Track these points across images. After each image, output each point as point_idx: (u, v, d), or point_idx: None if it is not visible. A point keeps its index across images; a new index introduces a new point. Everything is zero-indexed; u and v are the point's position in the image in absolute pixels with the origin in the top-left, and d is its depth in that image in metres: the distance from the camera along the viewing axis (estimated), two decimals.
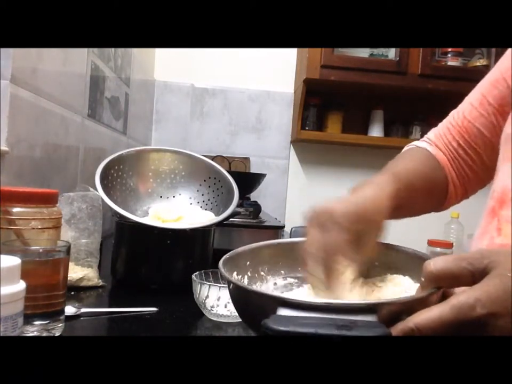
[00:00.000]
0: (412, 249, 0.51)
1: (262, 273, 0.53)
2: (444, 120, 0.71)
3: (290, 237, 0.66)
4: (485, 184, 0.69)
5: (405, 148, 0.72)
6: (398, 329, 0.35)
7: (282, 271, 0.54)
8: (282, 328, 0.32)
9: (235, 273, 0.49)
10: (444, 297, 0.37)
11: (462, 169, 0.67)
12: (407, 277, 0.49)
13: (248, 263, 0.52)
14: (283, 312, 0.35)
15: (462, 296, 0.34)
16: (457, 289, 0.38)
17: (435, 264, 0.37)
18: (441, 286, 0.38)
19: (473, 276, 0.36)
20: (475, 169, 0.67)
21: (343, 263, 0.46)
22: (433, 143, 0.69)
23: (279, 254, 0.55)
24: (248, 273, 0.52)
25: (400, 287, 0.48)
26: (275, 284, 0.53)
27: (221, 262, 0.47)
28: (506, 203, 0.55)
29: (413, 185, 0.59)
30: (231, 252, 0.51)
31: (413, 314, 0.35)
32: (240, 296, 0.43)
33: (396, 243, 0.54)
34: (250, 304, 0.41)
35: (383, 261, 0.52)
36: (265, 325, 0.33)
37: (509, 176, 0.55)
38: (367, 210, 0.48)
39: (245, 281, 0.51)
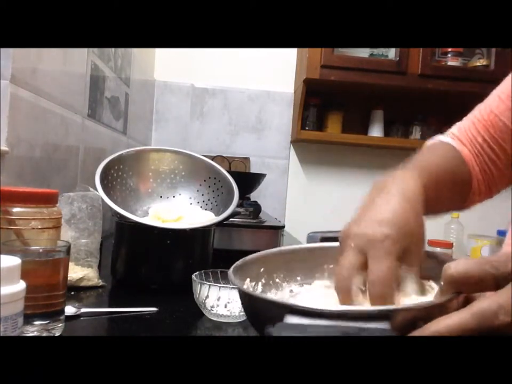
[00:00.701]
0: (437, 253, 0.48)
1: (277, 280, 0.51)
2: (469, 114, 0.68)
3: (307, 242, 0.64)
4: (510, 183, 0.66)
5: (429, 142, 0.69)
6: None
7: (298, 278, 0.52)
8: (283, 335, 0.31)
9: (248, 280, 0.47)
10: (466, 303, 0.34)
11: (486, 165, 0.64)
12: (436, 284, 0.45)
13: (262, 269, 0.50)
14: (291, 319, 0.34)
15: (485, 303, 0.32)
16: (479, 295, 0.36)
17: (456, 267, 0.34)
18: (462, 291, 0.35)
19: (497, 281, 0.33)
20: (500, 166, 0.64)
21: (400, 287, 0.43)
22: (457, 137, 0.66)
23: (295, 260, 0.52)
24: (263, 280, 0.50)
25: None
26: (291, 291, 0.51)
27: (231, 269, 0.46)
28: None
29: (439, 180, 0.56)
30: (242, 259, 0.49)
31: (431, 322, 0.33)
32: (249, 303, 0.41)
33: None
34: (259, 311, 0.40)
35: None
36: (268, 332, 0.32)
37: None
38: (408, 222, 0.44)
39: (259, 289, 0.49)
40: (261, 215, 1.22)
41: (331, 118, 1.95)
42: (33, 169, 0.82)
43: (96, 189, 0.79)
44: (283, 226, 1.15)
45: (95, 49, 1.11)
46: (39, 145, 0.83)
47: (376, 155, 2.00)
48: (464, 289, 0.35)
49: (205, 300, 0.63)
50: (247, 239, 1.08)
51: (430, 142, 0.69)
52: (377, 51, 1.85)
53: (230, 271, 0.45)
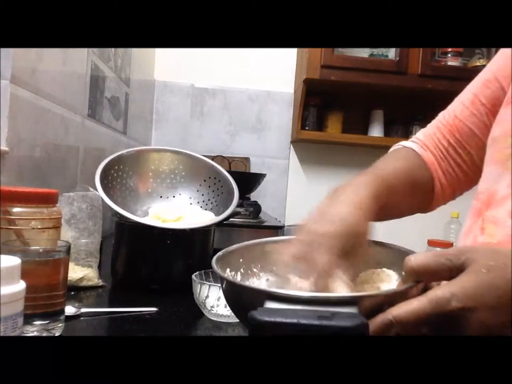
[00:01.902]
0: (397, 246, 0.53)
1: (255, 270, 0.55)
2: (433, 121, 0.71)
3: (284, 235, 0.67)
4: (474, 185, 0.68)
5: (392, 148, 0.72)
6: (377, 320, 0.37)
7: (274, 268, 0.55)
8: (266, 319, 0.34)
9: (228, 269, 0.50)
10: (425, 291, 0.38)
11: (451, 169, 0.67)
12: (393, 272, 0.51)
13: (241, 260, 0.53)
14: (270, 305, 0.37)
15: (439, 290, 0.36)
16: (436, 283, 0.40)
17: (416, 259, 0.39)
18: (421, 280, 0.40)
19: (451, 271, 0.38)
20: (465, 169, 0.67)
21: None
22: (422, 142, 0.69)
23: (271, 252, 0.56)
24: (241, 270, 0.53)
25: (388, 282, 0.50)
26: (267, 280, 0.54)
27: (214, 259, 0.49)
28: (492, 204, 0.55)
29: (395, 184, 0.60)
30: (224, 250, 0.52)
31: (393, 307, 0.37)
32: (231, 291, 0.45)
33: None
34: (240, 298, 0.43)
35: (371, 256, 0.53)
36: (251, 316, 0.35)
37: (495, 179, 0.56)
38: (352, 224, 0.49)
39: (238, 278, 0.52)
40: (261, 215, 1.22)
41: (331, 118, 1.95)
42: (33, 169, 0.82)
43: (96, 189, 0.79)
44: (283, 226, 1.15)
45: (95, 49, 1.11)
46: (39, 145, 0.83)
47: (376, 155, 1.98)
48: (422, 279, 0.40)
49: (205, 300, 0.63)
50: (247, 239, 1.07)
51: (393, 148, 0.72)
52: (377, 51, 1.85)
53: (213, 261, 0.48)
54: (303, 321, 0.34)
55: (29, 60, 0.77)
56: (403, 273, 0.41)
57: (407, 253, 0.48)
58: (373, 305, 0.38)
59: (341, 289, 0.47)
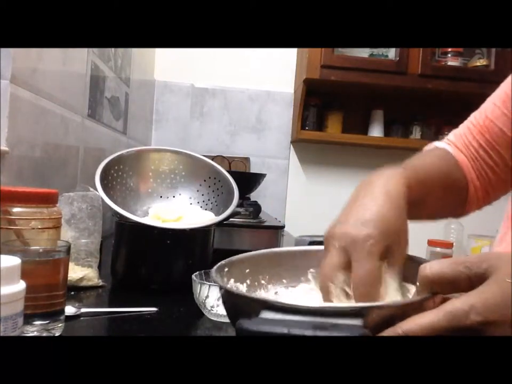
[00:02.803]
0: (417, 257, 0.48)
1: (263, 281, 0.51)
2: (465, 121, 0.68)
3: (295, 245, 0.64)
4: (509, 188, 0.66)
5: (425, 148, 0.69)
6: (385, 335, 0.33)
7: (284, 280, 0.52)
8: (253, 329, 0.32)
9: (232, 280, 0.47)
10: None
11: (483, 170, 0.64)
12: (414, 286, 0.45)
13: (247, 270, 0.50)
14: (266, 315, 0.34)
15: (457, 302, 0.33)
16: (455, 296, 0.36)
17: (431, 268, 0.35)
18: (437, 291, 0.36)
19: (471, 281, 0.34)
20: (497, 171, 0.64)
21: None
22: (453, 143, 0.66)
23: (282, 262, 0.52)
24: (248, 281, 0.50)
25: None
26: (276, 292, 0.51)
27: (215, 267, 0.46)
28: None
29: (429, 180, 0.55)
30: (228, 259, 0.49)
31: (404, 321, 0.33)
32: (228, 300, 0.42)
33: None
34: (236, 307, 0.40)
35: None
36: (238, 325, 0.33)
37: None
38: (389, 226, 0.44)
39: (243, 289, 0.49)
40: (261, 215, 1.22)
41: (331, 118, 1.95)
42: (33, 169, 0.82)
43: (96, 189, 0.79)
44: (283, 226, 1.15)
45: (95, 49, 1.11)
46: (39, 145, 0.83)
47: (376, 155, 2.00)
48: (439, 290, 0.35)
49: (205, 300, 0.63)
50: (247, 239, 1.08)
51: (426, 147, 0.69)
52: (377, 51, 1.85)
53: (213, 269, 0.45)
54: (295, 331, 0.31)
55: (29, 59, 0.77)
56: (417, 283, 0.37)
57: (423, 262, 0.44)
58: (381, 318, 0.34)
59: (390, 296, 0.42)
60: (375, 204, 0.46)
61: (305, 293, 0.49)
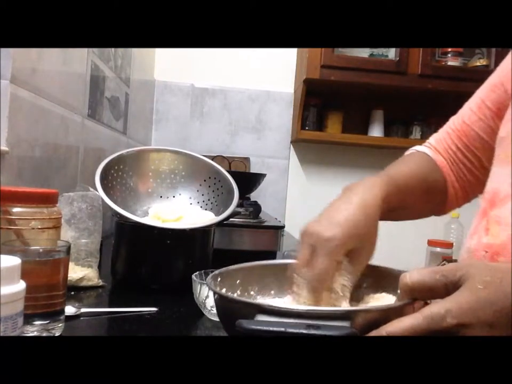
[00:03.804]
0: (396, 269, 0.52)
1: (252, 292, 0.54)
2: (444, 126, 0.72)
3: (283, 257, 0.68)
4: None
5: (406, 153, 0.73)
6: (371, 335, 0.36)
7: (272, 292, 0.55)
8: (253, 327, 0.34)
9: (224, 290, 0.49)
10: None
11: (462, 172, 0.68)
12: (393, 296, 0.49)
13: (238, 281, 0.53)
14: (261, 318, 0.37)
15: (434, 307, 0.35)
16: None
17: (410, 277, 0.38)
18: (416, 297, 0.39)
19: (447, 288, 0.37)
20: (475, 172, 0.68)
21: (332, 284, 0.47)
22: (433, 147, 0.70)
23: (270, 275, 0.55)
24: (238, 291, 0.52)
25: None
26: None
27: (210, 275, 0.49)
28: (496, 204, 0.56)
29: (407, 185, 0.60)
30: (221, 269, 0.52)
31: (387, 324, 0.36)
32: (223, 306, 0.44)
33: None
34: (232, 313, 0.42)
35: (372, 282, 0.52)
36: (239, 324, 0.35)
37: (499, 179, 0.56)
38: (358, 229, 0.49)
39: None
40: (261, 215, 1.22)
41: (331, 118, 1.95)
42: (33, 169, 0.82)
43: (96, 189, 0.79)
44: (283, 226, 1.15)
45: (95, 49, 1.11)
46: (39, 145, 0.83)
47: (376, 155, 2.00)
48: (418, 296, 0.39)
49: (205, 300, 0.63)
50: (247, 239, 1.08)
51: (407, 152, 0.73)
52: (377, 51, 1.85)
53: (209, 277, 0.48)
54: (291, 330, 0.34)
55: (29, 59, 0.77)
56: (398, 291, 0.40)
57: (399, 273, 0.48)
58: (366, 321, 0.37)
59: (334, 301, 0.47)
60: (348, 208, 0.50)
61: (291, 303, 0.51)
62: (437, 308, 0.35)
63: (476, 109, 0.66)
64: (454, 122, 0.70)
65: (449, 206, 0.69)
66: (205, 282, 0.65)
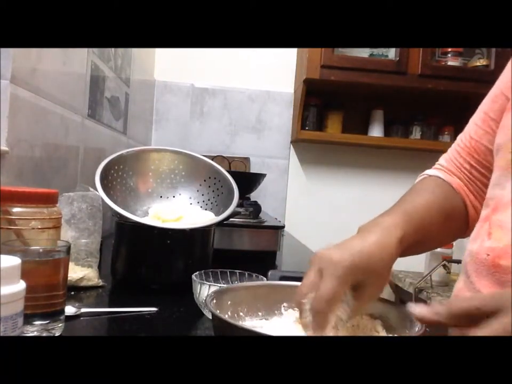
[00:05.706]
0: (402, 306, 0.51)
1: (241, 313, 0.54)
2: (453, 145, 0.70)
3: (268, 280, 0.69)
4: None
5: (417, 179, 0.70)
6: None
7: (260, 313, 0.55)
8: None
9: (218, 311, 0.50)
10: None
11: (480, 190, 0.65)
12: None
13: (229, 302, 0.53)
14: None
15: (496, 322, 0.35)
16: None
17: (454, 304, 0.38)
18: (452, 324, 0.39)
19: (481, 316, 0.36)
20: None
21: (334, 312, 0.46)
22: (446, 168, 0.68)
23: (258, 296, 0.56)
24: (229, 312, 0.53)
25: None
26: (253, 327, 0.53)
27: (208, 296, 0.50)
28: (498, 209, 0.55)
29: (425, 220, 0.58)
30: (217, 289, 0.54)
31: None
32: (222, 330, 0.45)
33: None
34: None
35: (375, 313, 0.52)
36: None
37: (500, 184, 0.56)
38: (370, 262, 0.48)
39: None
40: (261, 215, 1.22)
41: (331, 118, 1.95)
42: (33, 169, 0.82)
43: (96, 189, 0.79)
44: (283, 226, 1.15)
45: (95, 49, 1.11)
46: (39, 145, 0.83)
47: (376, 155, 2.00)
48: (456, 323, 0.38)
49: (205, 300, 0.63)
50: (247, 239, 1.08)
51: (419, 178, 0.70)
52: (377, 51, 1.85)
53: (206, 298, 0.50)
54: None
55: (29, 59, 0.77)
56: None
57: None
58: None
59: (335, 331, 0.46)
60: (363, 243, 0.49)
61: (280, 327, 0.52)
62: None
63: (480, 123, 0.65)
64: (462, 139, 0.68)
65: (472, 226, 0.65)
66: (205, 282, 0.65)
